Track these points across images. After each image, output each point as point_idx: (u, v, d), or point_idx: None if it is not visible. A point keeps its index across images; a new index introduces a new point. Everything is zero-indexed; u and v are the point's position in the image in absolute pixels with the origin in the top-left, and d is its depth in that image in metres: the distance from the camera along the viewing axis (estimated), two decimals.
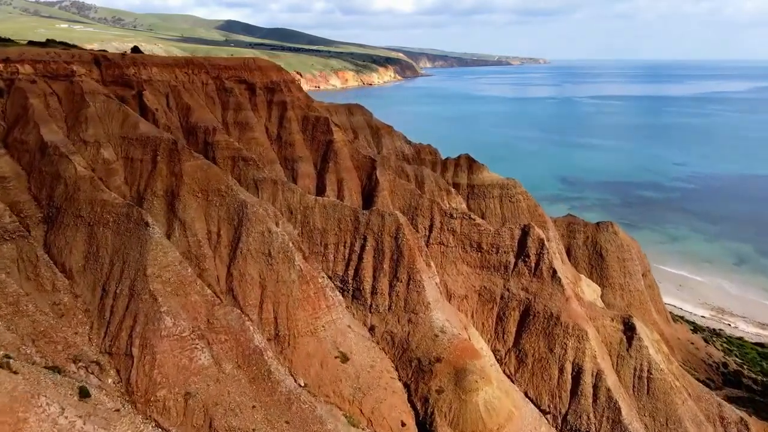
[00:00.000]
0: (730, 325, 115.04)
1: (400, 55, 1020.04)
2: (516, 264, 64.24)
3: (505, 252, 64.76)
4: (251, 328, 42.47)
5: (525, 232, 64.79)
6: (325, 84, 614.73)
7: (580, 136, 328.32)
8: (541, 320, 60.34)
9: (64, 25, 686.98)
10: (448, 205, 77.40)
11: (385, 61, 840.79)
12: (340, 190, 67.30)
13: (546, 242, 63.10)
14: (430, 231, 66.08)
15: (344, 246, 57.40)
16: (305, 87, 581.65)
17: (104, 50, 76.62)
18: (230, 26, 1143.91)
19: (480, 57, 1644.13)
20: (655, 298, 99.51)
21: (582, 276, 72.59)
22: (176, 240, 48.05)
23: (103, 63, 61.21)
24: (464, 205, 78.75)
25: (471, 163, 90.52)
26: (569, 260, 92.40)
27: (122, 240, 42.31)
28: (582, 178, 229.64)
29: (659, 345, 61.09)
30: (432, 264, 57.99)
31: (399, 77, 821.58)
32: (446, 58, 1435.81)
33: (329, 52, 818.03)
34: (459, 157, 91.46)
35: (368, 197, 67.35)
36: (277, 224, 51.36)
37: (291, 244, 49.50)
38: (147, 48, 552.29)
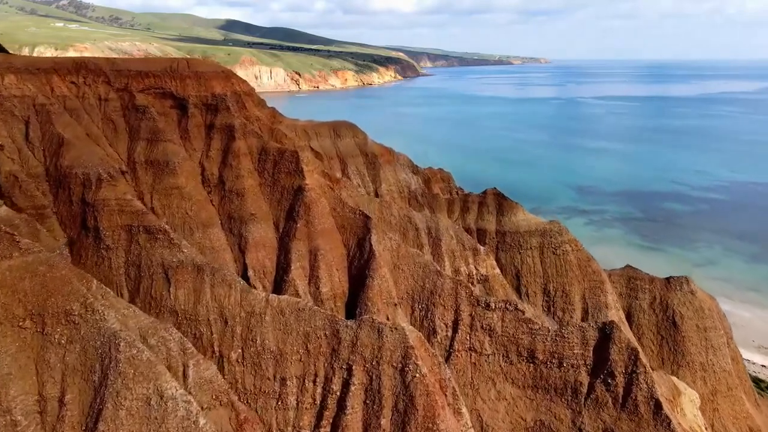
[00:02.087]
0: None
1: (401, 55, 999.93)
2: (592, 387, 40.39)
3: (573, 366, 40.94)
4: None
5: (605, 333, 41.03)
6: (324, 84, 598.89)
7: (589, 139, 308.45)
8: None
9: (59, 24, 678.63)
10: (475, 272, 53.46)
11: (385, 61, 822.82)
12: (314, 268, 42.90)
13: (641, 354, 39.42)
14: (455, 330, 42.18)
15: (314, 382, 33.51)
16: (304, 87, 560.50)
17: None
18: (230, 26, 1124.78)
19: (481, 57, 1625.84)
20: (740, 374, 75.76)
21: (678, 382, 49.00)
22: None
23: None
24: (497, 270, 54.77)
25: (500, 202, 66.18)
26: (630, 328, 69.08)
27: None
28: (597, 186, 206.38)
29: None
30: (464, 410, 33.95)
31: (399, 77, 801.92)
32: (447, 58, 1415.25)
33: (329, 51, 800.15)
34: (485, 193, 67.02)
35: (358, 277, 43.19)
36: (184, 372, 27.47)
37: (202, 420, 25.58)
38: (141, 47, 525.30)
